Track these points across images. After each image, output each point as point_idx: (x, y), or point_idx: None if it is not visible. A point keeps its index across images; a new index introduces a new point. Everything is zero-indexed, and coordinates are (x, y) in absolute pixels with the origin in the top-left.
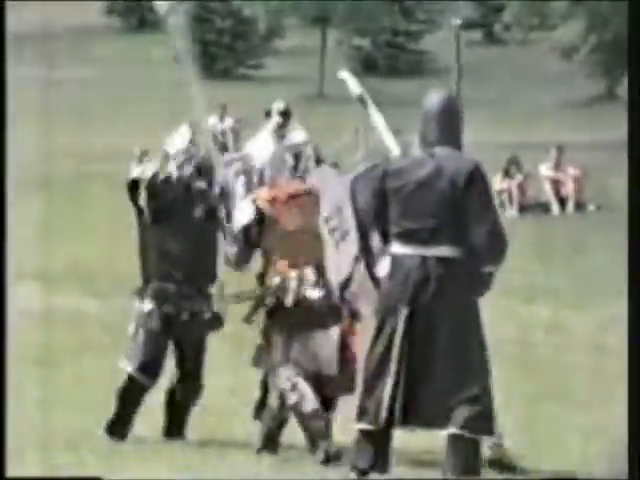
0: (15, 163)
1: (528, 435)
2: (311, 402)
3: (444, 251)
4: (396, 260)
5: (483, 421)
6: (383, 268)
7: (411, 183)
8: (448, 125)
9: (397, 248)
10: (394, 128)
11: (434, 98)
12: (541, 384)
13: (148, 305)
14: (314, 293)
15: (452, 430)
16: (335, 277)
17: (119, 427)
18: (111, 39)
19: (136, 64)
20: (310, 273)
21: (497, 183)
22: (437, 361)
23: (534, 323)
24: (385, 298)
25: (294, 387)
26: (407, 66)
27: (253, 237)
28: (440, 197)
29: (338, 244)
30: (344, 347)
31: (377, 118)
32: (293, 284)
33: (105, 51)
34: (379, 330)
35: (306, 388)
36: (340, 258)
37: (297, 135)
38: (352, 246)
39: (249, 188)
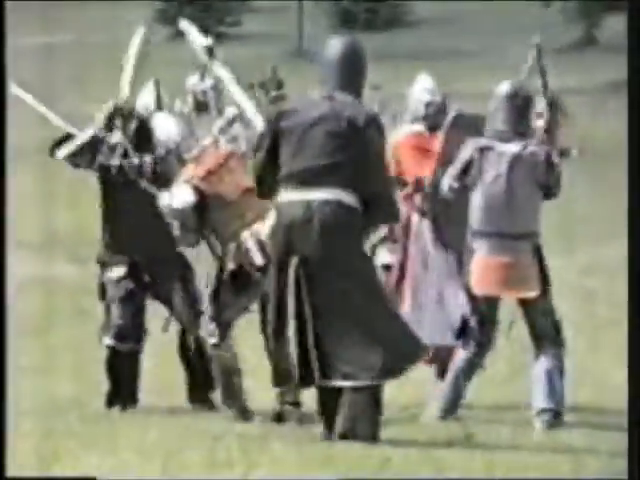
0: None
1: (518, 382)
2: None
3: (332, 194)
4: (281, 208)
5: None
6: (268, 222)
7: (304, 123)
8: (348, 72)
9: (283, 196)
10: (374, 83)
11: (336, 43)
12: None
13: (118, 271)
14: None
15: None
16: None
17: (119, 398)
18: (80, 4)
19: (108, 28)
20: (249, 238)
21: None
22: (328, 313)
23: None
24: (273, 251)
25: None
26: (385, 19)
27: (193, 221)
28: (335, 136)
29: None
30: None
31: (223, 72)
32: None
33: (76, 16)
34: (274, 285)
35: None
36: None
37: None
38: None
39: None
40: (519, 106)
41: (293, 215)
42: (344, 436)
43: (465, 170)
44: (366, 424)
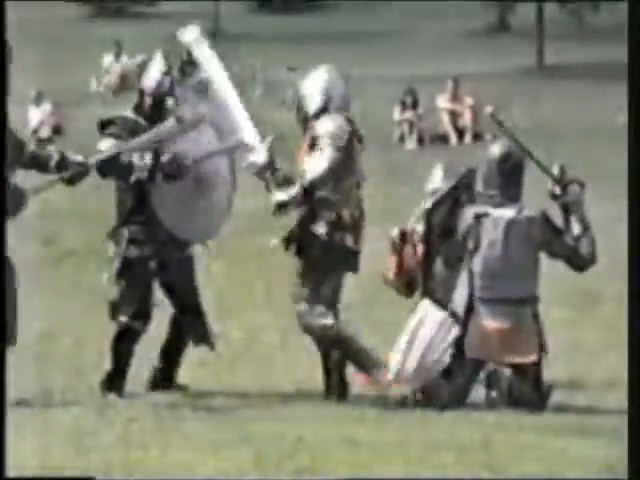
0: None
1: None
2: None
3: None
4: None
5: None
6: None
7: None
8: None
9: None
10: (289, 65)
11: None
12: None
13: (134, 251)
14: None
15: None
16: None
17: (116, 382)
18: None
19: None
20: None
21: (396, 115)
22: None
23: None
24: None
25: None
26: (303, 1)
27: None
28: None
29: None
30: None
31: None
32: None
33: None
34: None
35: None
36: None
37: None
38: None
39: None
40: (510, 171)
41: None
42: None
43: (464, 239)
44: None
